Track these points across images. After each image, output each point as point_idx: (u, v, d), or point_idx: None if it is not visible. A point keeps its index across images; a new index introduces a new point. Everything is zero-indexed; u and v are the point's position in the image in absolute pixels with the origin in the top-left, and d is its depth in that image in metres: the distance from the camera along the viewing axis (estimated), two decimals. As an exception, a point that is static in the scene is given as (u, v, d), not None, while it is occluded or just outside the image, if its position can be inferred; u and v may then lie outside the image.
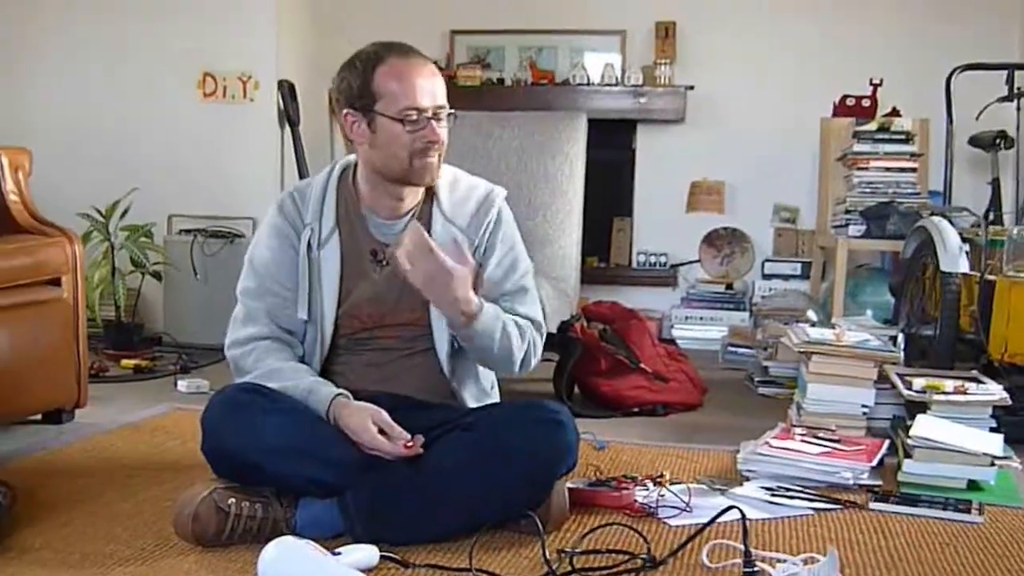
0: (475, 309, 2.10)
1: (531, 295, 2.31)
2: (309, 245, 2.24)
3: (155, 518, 2.15)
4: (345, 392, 2.13)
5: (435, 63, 2.28)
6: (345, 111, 2.19)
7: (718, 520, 2.08)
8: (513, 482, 2.03)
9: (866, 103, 4.71)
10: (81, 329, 3.03)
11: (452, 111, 2.19)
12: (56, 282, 2.94)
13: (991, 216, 4.04)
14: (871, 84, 4.73)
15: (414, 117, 2.12)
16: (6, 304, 2.75)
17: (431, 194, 2.27)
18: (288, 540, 1.78)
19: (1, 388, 2.73)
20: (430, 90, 2.14)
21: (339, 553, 1.82)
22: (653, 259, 5.24)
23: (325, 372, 2.26)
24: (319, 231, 2.25)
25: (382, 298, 2.24)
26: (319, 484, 2.02)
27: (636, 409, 3.37)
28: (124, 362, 3.97)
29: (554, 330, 3.38)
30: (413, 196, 2.26)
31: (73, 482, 2.40)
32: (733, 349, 4.41)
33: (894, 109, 4.63)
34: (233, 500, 1.97)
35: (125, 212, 4.31)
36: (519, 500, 2.04)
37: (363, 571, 1.79)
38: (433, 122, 2.14)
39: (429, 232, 2.17)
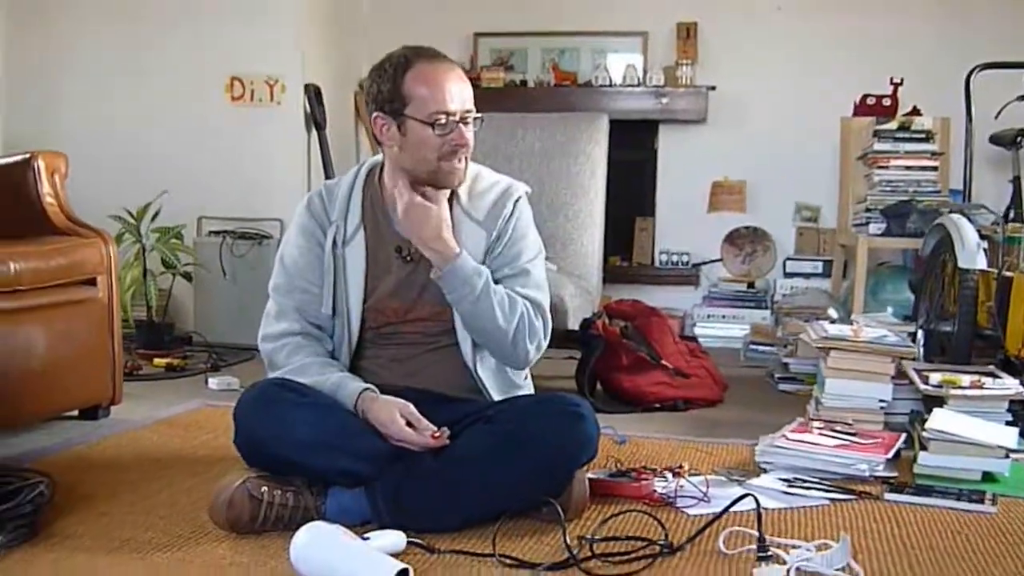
0: (454, 250, 2.18)
1: (533, 279, 2.33)
2: (335, 242, 2.32)
3: (190, 507, 2.23)
4: (372, 387, 2.20)
5: (459, 66, 2.34)
6: (375, 114, 2.25)
7: (736, 510, 2.13)
8: (534, 472, 2.09)
9: (887, 102, 4.74)
10: (116, 327, 3.12)
11: (479, 115, 2.25)
12: (92, 282, 3.03)
13: (1012, 214, 4.06)
14: (891, 83, 4.76)
15: (443, 121, 2.18)
16: (44, 303, 2.84)
17: (452, 191, 2.33)
18: (320, 525, 1.85)
19: (40, 385, 2.82)
20: (459, 95, 2.20)
21: (368, 538, 1.89)
22: (675, 258, 5.29)
23: (352, 367, 2.33)
24: (344, 229, 2.32)
25: (406, 293, 2.30)
26: (348, 475, 2.10)
27: (657, 405, 3.43)
28: (156, 361, 4.07)
29: (576, 327, 3.44)
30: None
31: (110, 474, 2.49)
32: (754, 347, 4.46)
33: (915, 108, 4.65)
34: (265, 488, 2.04)
35: (156, 214, 4.41)
36: (540, 489, 2.10)
37: (391, 556, 1.85)
38: (461, 126, 2.20)
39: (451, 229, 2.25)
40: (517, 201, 2.37)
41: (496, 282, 2.27)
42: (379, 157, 2.40)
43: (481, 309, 2.21)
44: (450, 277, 2.20)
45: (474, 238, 2.29)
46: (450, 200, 2.32)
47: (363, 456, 2.10)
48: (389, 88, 2.20)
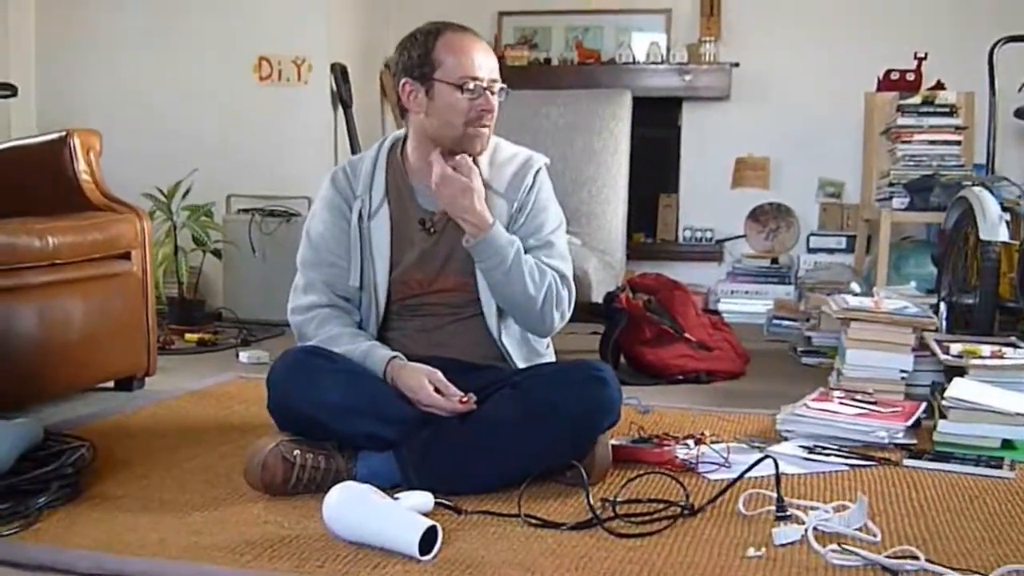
0: (488, 220, 2.24)
1: (558, 250, 2.39)
2: (360, 216, 2.37)
3: (226, 471, 2.30)
4: (400, 355, 2.26)
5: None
6: (404, 80, 2.30)
7: (756, 474, 2.18)
8: (558, 436, 2.15)
9: (910, 77, 4.74)
10: (150, 301, 3.19)
11: (504, 86, 2.31)
12: (126, 256, 3.11)
13: (1036, 187, 4.07)
14: (915, 58, 4.76)
15: (471, 86, 2.24)
16: (81, 277, 2.92)
17: (474, 161, 2.37)
18: (351, 485, 1.91)
19: (77, 356, 2.90)
20: (487, 63, 2.27)
21: (398, 498, 1.95)
22: (699, 235, 5.32)
23: (379, 338, 2.39)
24: (369, 203, 2.38)
25: (430, 265, 2.36)
26: (377, 439, 2.16)
27: (680, 377, 3.47)
28: (188, 336, 4.15)
29: (600, 301, 3.49)
30: None
31: (148, 441, 2.57)
32: (778, 322, 4.49)
33: (939, 82, 4.65)
34: (298, 452, 2.11)
35: (187, 193, 4.49)
36: (564, 453, 2.15)
37: (420, 515, 1.91)
38: (490, 95, 2.27)
39: None
40: (538, 172, 2.42)
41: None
42: (401, 131, 2.45)
43: (512, 278, 2.27)
44: (483, 247, 2.25)
45: (497, 208, 2.34)
46: None
47: (392, 421, 2.16)
48: (420, 54, 2.26)
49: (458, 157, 2.29)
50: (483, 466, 2.14)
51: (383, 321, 2.41)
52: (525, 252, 2.32)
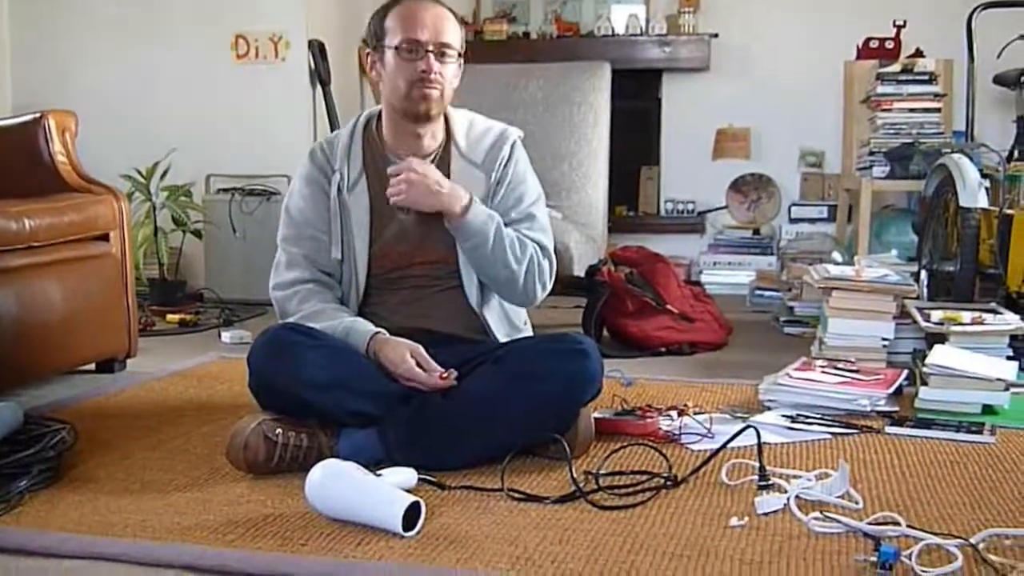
0: (461, 205, 2.24)
1: (539, 223, 2.41)
2: (339, 190, 2.38)
3: (207, 452, 2.29)
4: (382, 330, 2.25)
5: (461, 18, 2.41)
6: (367, 52, 2.37)
7: (738, 444, 2.19)
8: (540, 408, 2.15)
9: (890, 45, 4.74)
10: (129, 282, 3.18)
11: (456, 51, 2.31)
12: (105, 238, 3.09)
13: (1016, 153, 4.07)
14: (894, 26, 4.75)
15: (411, 48, 2.26)
16: (59, 259, 2.90)
17: (450, 136, 2.40)
18: (334, 462, 1.90)
19: (57, 338, 2.88)
20: (432, 26, 2.27)
21: (380, 475, 1.95)
22: (681, 206, 5.32)
23: (361, 313, 2.38)
24: (347, 177, 2.38)
25: (409, 237, 2.36)
26: (358, 415, 2.15)
27: (663, 349, 3.48)
28: (170, 317, 4.13)
29: (582, 274, 3.49)
30: (431, 136, 2.38)
31: (129, 422, 2.56)
32: (760, 292, 4.50)
33: (918, 50, 4.64)
34: (280, 430, 2.10)
35: (165, 173, 4.45)
36: (547, 426, 2.16)
37: (403, 491, 1.91)
38: (432, 56, 2.27)
39: (448, 170, 2.34)
40: (514, 145, 2.43)
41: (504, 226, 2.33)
42: (378, 107, 2.45)
43: (495, 255, 2.28)
44: (464, 229, 2.27)
45: (475, 181, 2.35)
46: (447, 146, 2.39)
47: (373, 396, 2.16)
48: (376, 26, 2.33)
49: (406, 160, 2.29)
50: (466, 441, 2.14)
51: (364, 296, 2.40)
52: (506, 226, 2.33)
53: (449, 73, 2.31)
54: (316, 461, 1.98)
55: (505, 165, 2.40)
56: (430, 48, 2.26)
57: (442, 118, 2.40)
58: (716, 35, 5.13)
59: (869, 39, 4.77)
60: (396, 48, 2.27)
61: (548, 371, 2.16)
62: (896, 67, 4.46)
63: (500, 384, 2.16)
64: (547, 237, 2.41)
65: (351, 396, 2.14)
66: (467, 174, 2.35)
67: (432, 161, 2.37)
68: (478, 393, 2.16)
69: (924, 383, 2.62)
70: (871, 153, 4.40)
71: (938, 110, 4.43)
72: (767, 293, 4.45)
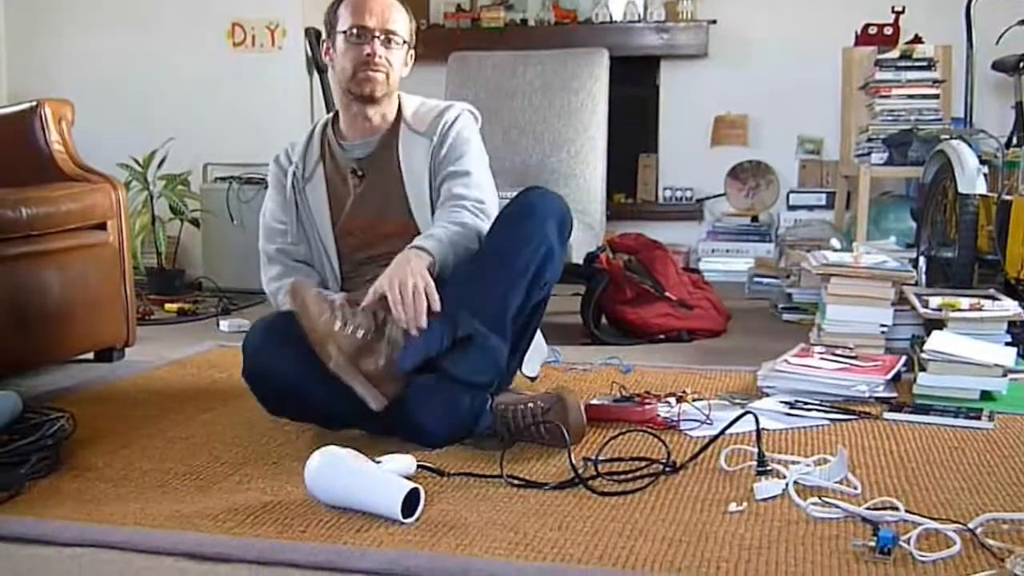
0: (426, 258, 2.21)
1: (474, 179, 2.44)
2: (295, 183, 2.49)
3: (207, 439, 2.30)
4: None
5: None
6: (323, 40, 2.50)
7: (737, 430, 2.19)
8: (543, 226, 2.25)
9: (888, 31, 4.73)
10: (127, 271, 3.17)
11: (405, 40, 2.42)
12: (102, 226, 3.08)
13: (1015, 139, 4.07)
14: (893, 12, 4.74)
15: (357, 33, 2.38)
16: (57, 248, 2.89)
17: (400, 117, 2.50)
18: (333, 449, 1.90)
19: (55, 327, 2.88)
20: (379, 13, 2.39)
21: (379, 462, 1.95)
22: (679, 194, 5.32)
23: None
24: (303, 168, 2.50)
25: (366, 207, 2.45)
26: (353, 405, 2.14)
27: (662, 336, 3.48)
28: (168, 306, 4.13)
29: (580, 262, 3.49)
30: (381, 118, 2.48)
31: (128, 411, 2.56)
32: (759, 279, 4.50)
33: (916, 36, 4.64)
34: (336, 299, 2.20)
35: (162, 162, 4.45)
36: (552, 242, 2.26)
37: (402, 478, 1.91)
38: (377, 42, 2.38)
39: (396, 144, 2.44)
40: (459, 115, 2.51)
41: (440, 183, 2.43)
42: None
43: (463, 254, 2.30)
44: (442, 268, 2.27)
45: (417, 148, 2.46)
46: (396, 120, 2.50)
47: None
48: (330, 14, 2.46)
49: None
50: (493, 279, 2.22)
51: (344, 284, 2.47)
52: (443, 182, 2.43)
53: (395, 59, 2.42)
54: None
55: (448, 129, 2.47)
56: (376, 34, 2.38)
57: (394, 102, 2.51)
58: (714, 22, 5.12)
59: (867, 25, 4.76)
60: (344, 33, 2.39)
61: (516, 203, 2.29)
62: (895, 53, 4.45)
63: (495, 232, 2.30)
64: (487, 194, 2.44)
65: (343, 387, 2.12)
66: (412, 143, 2.46)
67: (381, 140, 2.47)
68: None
69: (922, 369, 2.62)
70: (869, 140, 4.39)
71: (937, 96, 4.43)
72: (765, 280, 4.45)
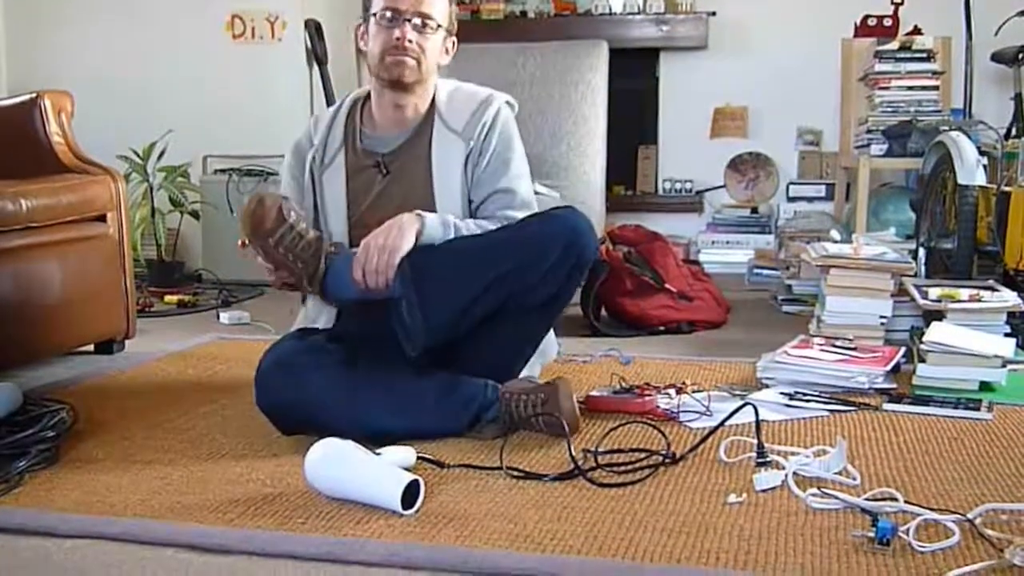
0: (416, 225, 2.22)
1: (519, 198, 2.38)
2: (312, 167, 2.42)
3: (207, 431, 2.30)
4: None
5: None
6: (360, 24, 2.40)
7: (737, 421, 2.20)
8: (552, 236, 2.21)
9: (887, 23, 4.74)
10: (127, 262, 3.17)
11: (441, 24, 2.32)
12: (102, 218, 3.08)
13: (1015, 130, 4.08)
14: (892, 3, 4.75)
15: (388, 15, 2.28)
16: (57, 240, 2.89)
17: (434, 107, 2.40)
18: (333, 441, 1.90)
19: (55, 319, 2.88)
20: None
21: (379, 453, 1.95)
22: (679, 186, 5.32)
23: None
24: (323, 153, 2.42)
25: (385, 205, 2.36)
26: (377, 431, 2.11)
27: (662, 328, 3.48)
28: (168, 298, 4.13)
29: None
30: (413, 109, 2.39)
31: (129, 402, 2.56)
32: (758, 271, 4.50)
33: (915, 28, 4.65)
34: (295, 214, 2.19)
35: (162, 154, 4.44)
36: (554, 263, 2.20)
37: (402, 469, 1.91)
38: (409, 25, 2.28)
39: (429, 140, 2.36)
40: (498, 112, 2.41)
41: (481, 201, 2.36)
42: (366, 87, 2.48)
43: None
44: (427, 239, 2.25)
45: (452, 149, 2.36)
46: (430, 112, 2.40)
47: (388, 408, 2.16)
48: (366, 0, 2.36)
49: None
50: (468, 272, 2.17)
51: None
52: (484, 200, 2.36)
53: (428, 44, 2.32)
54: (310, 258, 2.16)
55: (487, 133, 2.38)
56: (408, 17, 2.28)
57: (428, 91, 2.40)
58: (714, 13, 5.11)
59: (867, 17, 4.76)
60: (376, 15, 2.31)
61: (538, 221, 2.27)
62: (894, 45, 4.45)
63: (501, 232, 2.26)
64: (527, 212, 2.38)
65: (363, 412, 2.12)
66: (446, 143, 2.36)
67: (412, 133, 2.39)
68: (476, 240, 2.24)
69: (922, 360, 2.62)
70: (869, 131, 4.39)
71: (936, 88, 4.43)
72: (765, 271, 4.45)
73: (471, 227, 2.29)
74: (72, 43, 4.86)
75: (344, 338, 2.30)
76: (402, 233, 2.20)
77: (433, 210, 2.32)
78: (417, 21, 2.29)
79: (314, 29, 4.74)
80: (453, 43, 2.41)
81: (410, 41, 2.28)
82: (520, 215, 2.35)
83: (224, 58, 4.75)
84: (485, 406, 2.22)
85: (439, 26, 2.33)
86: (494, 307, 2.21)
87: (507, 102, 2.46)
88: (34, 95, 3.10)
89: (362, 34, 2.38)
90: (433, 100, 2.41)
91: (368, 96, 2.45)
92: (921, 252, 3.78)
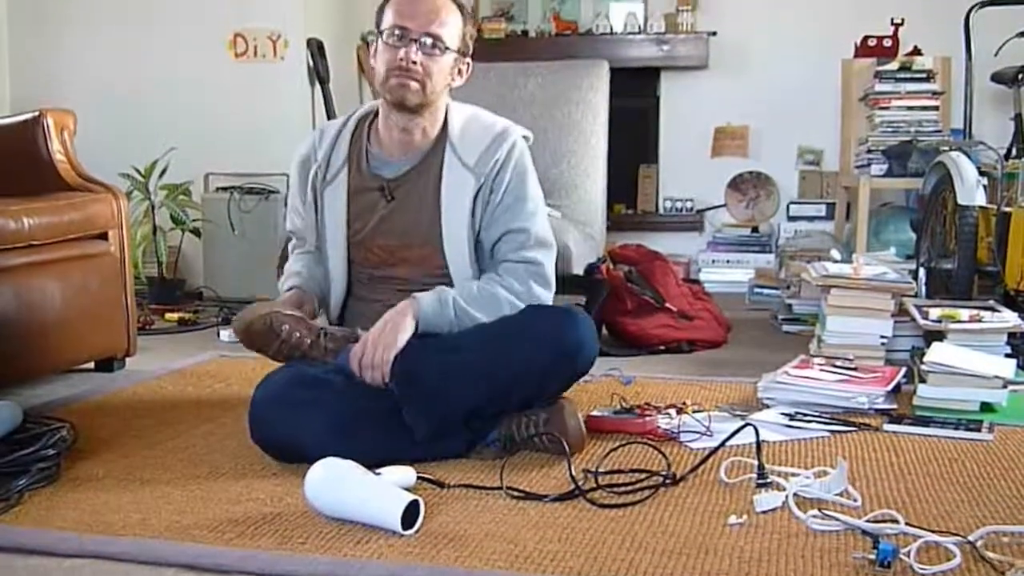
0: (411, 314, 2.21)
1: (533, 236, 2.32)
2: (315, 183, 2.39)
3: (207, 451, 2.29)
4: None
5: (456, 3, 2.33)
6: (370, 42, 2.36)
7: (737, 442, 2.19)
8: (536, 357, 2.16)
9: (887, 43, 4.75)
10: (128, 280, 3.18)
11: (450, 46, 2.25)
12: (104, 236, 3.09)
13: (1014, 151, 4.08)
14: (892, 24, 4.76)
15: (396, 34, 2.22)
16: (58, 258, 2.90)
17: (447, 133, 2.34)
18: (334, 461, 1.90)
19: (56, 337, 2.88)
20: (424, 14, 2.23)
21: (379, 473, 1.95)
22: (679, 205, 5.33)
23: (349, 311, 2.41)
24: (325, 169, 2.38)
25: (390, 231, 2.34)
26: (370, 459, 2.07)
27: (662, 347, 3.48)
28: (168, 315, 4.13)
29: (581, 272, 3.49)
30: (422, 133, 2.33)
31: (129, 421, 2.56)
32: (759, 290, 4.50)
33: (915, 48, 4.66)
34: (287, 326, 2.17)
35: (164, 172, 4.45)
36: (538, 376, 2.17)
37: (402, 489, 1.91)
38: (415, 46, 2.22)
39: (439, 171, 2.30)
40: (512, 146, 2.34)
41: (495, 241, 2.32)
42: (375, 103, 2.44)
43: (467, 323, 2.25)
44: (425, 328, 2.23)
45: (462, 183, 2.30)
46: (441, 139, 2.34)
47: (382, 442, 2.13)
48: (378, 13, 2.30)
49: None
50: (461, 380, 2.13)
51: (352, 294, 2.43)
52: (499, 240, 2.32)
53: (435, 67, 2.24)
54: (313, 356, 2.18)
55: (499, 170, 2.31)
56: (415, 37, 2.21)
57: (438, 115, 2.34)
58: (714, 33, 5.13)
59: (867, 37, 4.78)
60: (384, 33, 2.25)
61: (538, 324, 2.20)
62: (894, 65, 4.47)
63: (493, 334, 2.20)
64: (544, 251, 2.34)
65: (351, 448, 2.06)
66: (457, 176, 2.29)
67: (420, 160, 2.34)
68: (470, 341, 2.19)
69: (922, 381, 2.62)
70: (869, 151, 4.41)
71: (936, 108, 4.44)
72: (766, 291, 4.45)
73: (472, 293, 2.25)
74: (75, 61, 4.88)
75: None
76: (396, 329, 2.18)
77: (438, 242, 2.30)
78: (426, 41, 2.22)
79: (316, 48, 4.76)
80: (467, 65, 2.34)
81: (414, 63, 2.21)
82: (536, 255, 2.31)
83: (226, 77, 4.76)
84: (484, 430, 2.21)
85: (448, 48, 2.25)
86: (494, 413, 2.19)
87: (524, 136, 2.40)
88: (37, 113, 3.11)
89: (373, 52, 2.31)
90: (445, 126, 2.34)
91: (376, 113, 2.40)
92: (921, 272, 3.78)
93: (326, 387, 2.17)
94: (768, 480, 2.00)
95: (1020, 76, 4.17)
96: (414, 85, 2.23)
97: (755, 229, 5.20)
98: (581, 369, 2.27)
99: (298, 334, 2.19)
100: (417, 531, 1.78)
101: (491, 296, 2.26)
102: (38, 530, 1.81)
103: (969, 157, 3.52)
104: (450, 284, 2.32)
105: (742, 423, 2.23)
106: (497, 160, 2.31)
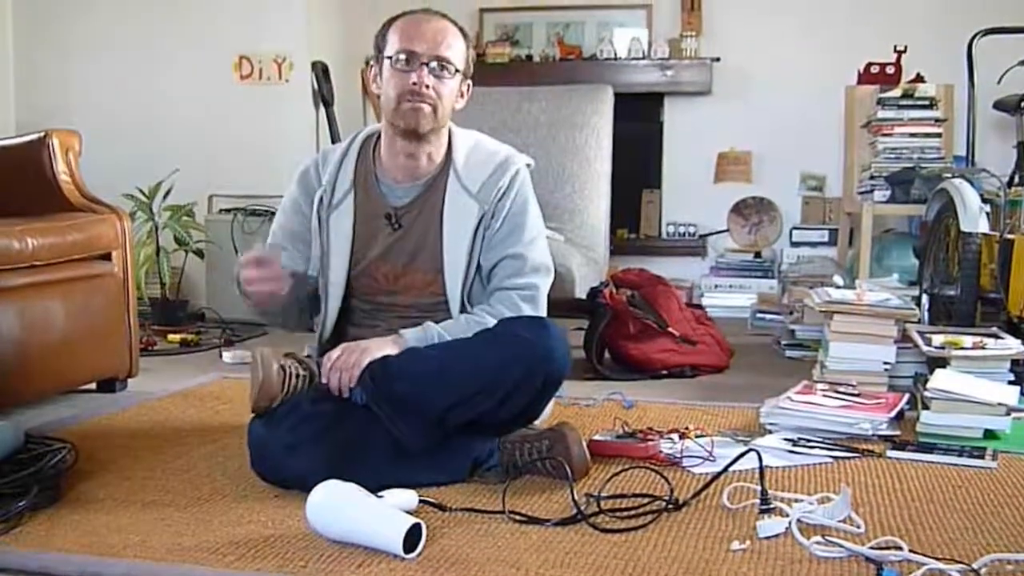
0: (395, 342, 2.23)
1: (530, 263, 2.34)
2: (321, 207, 2.37)
3: (208, 472, 2.29)
4: None
5: (458, 26, 2.34)
6: (371, 66, 2.34)
7: (740, 468, 2.18)
8: (509, 361, 2.13)
9: (890, 70, 4.76)
10: (131, 301, 3.18)
11: (448, 65, 2.25)
12: (107, 257, 3.09)
13: (1017, 178, 4.09)
14: (895, 51, 4.78)
15: (404, 58, 2.22)
16: (61, 278, 2.90)
17: (450, 159, 2.35)
18: (336, 484, 1.90)
19: (58, 358, 2.88)
20: (431, 40, 2.23)
21: (381, 496, 1.94)
22: (682, 229, 5.33)
23: (344, 332, 2.40)
24: (331, 194, 2.37)
25: (394, 260, 2.34)
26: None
27: (664, 371, 3.47)
28: (171, 336, 4.13)
29: (584, 296, 3.49)
30: (428, 158, 2.34)
31: (130, 442, 2.55)
32: (761, 315, 4.50)
33: (918, 75, 4.67)
34: (286, 378, 2.19)
35: (168, 193, 4.47)
36: (515, 382, 2.14)
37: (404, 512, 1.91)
38: (426, 70, 2.22)
39: (443, 197, 2.31)
40: (515, 175, 2.36)
41: (492, 267, 2.33)
42: (377, 125, 2.44)
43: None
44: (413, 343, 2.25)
45: (465, 210, 2.31)
46: (445, 170, 2.35)
47: (367, 472, 2.08)
48: (379, 36, 2.29)
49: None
50: (440, 381, 2.13)
51: (351, 320, 2.41)
52: (495, 266, 2.32)
53: (445, 90, 2.25)
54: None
55: (502, 197, 2.33)
56: (425, 60, 2.22)
57: (443, 139, 2.35)
58: (718, 59, 5.15)
59: (870, 64, 4.79)
60: (391, 58, 2.24)
61: (514, 331, 2.18)
62: (897, 92, 4.47)
63: (467, 341, 2.20)
64: (540, 276, 2.35)
65: (358, 477, 2.03)
66: (460, 203, 2.31)
67: (425, 186, 2.35)
68: (450, 346, 2.20)
69: (926, 407, 2.61)
70: (872, 177, 4.41)
71: (939, 135, 4.44)
72: (768, 316, 4.45)
73: (459, 323, 2.27)
74: (81, 81, 4.91)
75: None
76: (377, 345, 2.21)
77: (440, 268, 2.31)
78: (435, 65, 2.22)
79: (321, 71, 4.78)
80: (468, 87, 2.35)
81: (427, 86, 2.21)
82: (531, 280, 2.33)
83: (231, 99, 4.79)
84: (484, 456, 2.20)
85: (456, 71, 2.27)
86: (469, 419, 2.16)
87: (528, 164, 2.41)
88: (42, 134, 3.13)
89: (374, 76, 2.31)
90: (449, 151, 2.36)
91: (379, 136, 2.40)
92: (924, 299, 3.78)
93: (321, 419, 2.15)
94: (771, 506, 1.99)
95: (1023, 104, 4.19)
96: (427, 109, 2.24)
97: (758, 254, 5.20)
98: (551, 377, 2.22)
99: (298, 379, 2.21)
100: (419, 555, 1.77)
101: (477, 324, 2.27)
102: (39, 551, 1.81)
103: (972, 184, 3.52)
104: (448, 310, 2.33)
105: (745, 448, 2.23)
106: (500, 188, 2.33)
